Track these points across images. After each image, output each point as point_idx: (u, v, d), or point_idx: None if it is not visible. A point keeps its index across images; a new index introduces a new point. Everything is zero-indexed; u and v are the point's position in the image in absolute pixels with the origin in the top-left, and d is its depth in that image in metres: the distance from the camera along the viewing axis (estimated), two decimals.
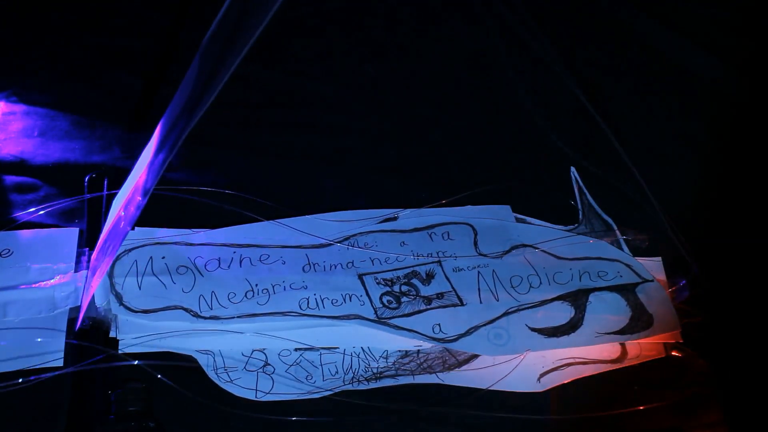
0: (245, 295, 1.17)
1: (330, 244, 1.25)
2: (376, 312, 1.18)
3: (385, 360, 1.16)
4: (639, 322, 1.23)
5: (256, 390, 1.11)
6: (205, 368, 1.11)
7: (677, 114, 1.59)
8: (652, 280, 1.28)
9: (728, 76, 1.64)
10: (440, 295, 1.21)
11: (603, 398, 1.20)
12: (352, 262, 1.23)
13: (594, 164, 1.46)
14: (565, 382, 1.18)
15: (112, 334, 1.11)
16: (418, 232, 1.30)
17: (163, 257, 1.20)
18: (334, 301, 1.18)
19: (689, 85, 1.63)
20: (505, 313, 1.20)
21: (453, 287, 1.23)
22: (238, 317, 1.14)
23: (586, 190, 1.42)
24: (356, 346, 1.17)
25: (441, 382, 1.15)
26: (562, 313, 1.22)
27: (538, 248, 1.30)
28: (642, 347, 1.24)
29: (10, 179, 1.30)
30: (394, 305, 1.19)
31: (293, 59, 1.56)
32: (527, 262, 1.27)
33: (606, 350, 1.22)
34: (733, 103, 1.61)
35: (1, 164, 1.31)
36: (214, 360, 1.12)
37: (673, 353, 1.24)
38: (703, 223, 1.42)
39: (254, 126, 1.46)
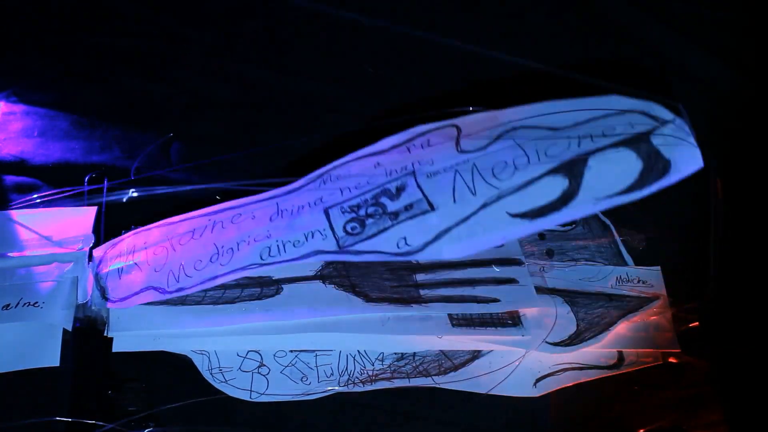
0: (209, 260, 1.11)
1: (299, 189, 1.17)
2: (338, 242, 1.07)
3: (380, 362, 1.16)
4: (653, 172, 0.99)
5: (251, 390, 1.11)
6: (200, 368, 1.11)
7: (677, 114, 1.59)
8: (672, 120, 1.05)
9: (728, 76, 1.64)
10: (409, 207, 1.06)
11: (601, 398, 1.21)
12: (321, 198, 1.13)
13: None
14: (561, 387, 1.19)
15: (105, 333, 1.11)
16: (396, 149, 1.14)
17: (144, 242, 1.17)
18: (295, 242, 1.08)
19: (689, 85, 1.63)
20: (483, 206, 1.02)
21: (424, 194, 1.06)
22: (200, 283, 1.09)
23: None
24: (352, 350, 1.17)
25: (436, 385, 1.16)
26: (553, 188, 1.01)
27: (532, 126, 1.08)
28: (639, 354, 1.24)
29: (10, 179, 1.30)
30: (357, 230, 1.07)
31: (293, 59, 1.56)
32: (515, 145, 1.06)
33: (603, 356, 1.23)
34: (733, 103, 1.61)
35: (1, 164, 1.31)
36: (209, 360, 1.12)
37: (670, 360, 1.24)
38: (703, 224, 1.42)
39: (254, 126, 1.46)
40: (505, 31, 1.68)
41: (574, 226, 1.38)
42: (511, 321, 1.20)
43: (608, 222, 1.39)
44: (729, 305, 1.32)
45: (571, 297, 1.28)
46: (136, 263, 1.14)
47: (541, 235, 1.35)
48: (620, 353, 1.24)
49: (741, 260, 1.38)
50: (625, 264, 1.36)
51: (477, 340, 1.18)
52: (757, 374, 1.26)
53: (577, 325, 1.24)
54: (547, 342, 1.21)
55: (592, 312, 1.27)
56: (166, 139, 1.40)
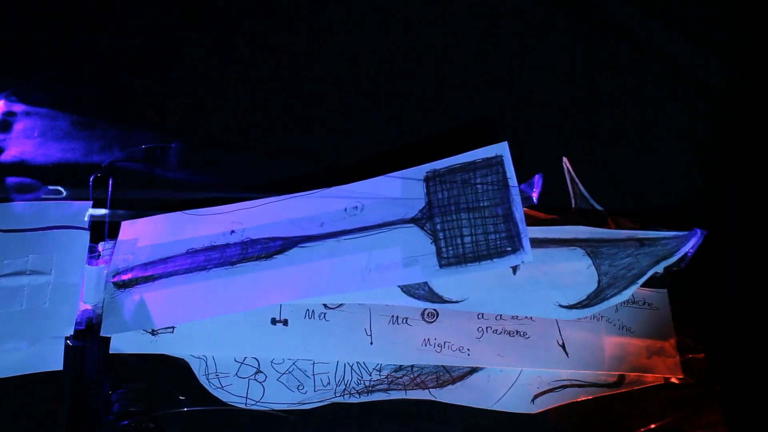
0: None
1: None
2: None
3: (378, 372, 1.16)
4: None
5: (246, 398, 1.10)
6: (197, 373, 1.11)
7: (677, 114, 1.59)
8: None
9: (728, 76, 1.64)
10: None
11: (602, 397, 1.21)
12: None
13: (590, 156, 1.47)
14: (560, 404, 1.18)
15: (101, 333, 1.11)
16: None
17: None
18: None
19: (689, 85, 1.63)
20: None
21: None
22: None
23: (578, 180, 1.42)
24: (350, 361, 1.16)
25: (433, 398, 1.15)
26: None
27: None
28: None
29: (11, 179, 1.30)
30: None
31: (293, 59, 1.56)
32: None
33: (603, 374, 1.22)
34: (733, 103, 1.61)
35: (1, 164, 1.31)
36: (206, 365, 1.12)
37: (672, 380, 1.24)
38: (703, 224, 1.42)
39: (254, 126, 1.46)
40: (505, 30, 1.68)
41: (569, 215, 1.39)
42: (511, 248, 1.14)
43: (603, 211, 1.39)
44: (729, 307, 1.32)
45: (593, 248, 1.22)
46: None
47: None
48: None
49: (740, 259, 1.38)
50: None
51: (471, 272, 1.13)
52: (757, 374, 1.26)
53: (599, 282, 1.20)
54: (560, 306, 1.18)
55: (619, 263, 1.21)
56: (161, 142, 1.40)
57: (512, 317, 1.20)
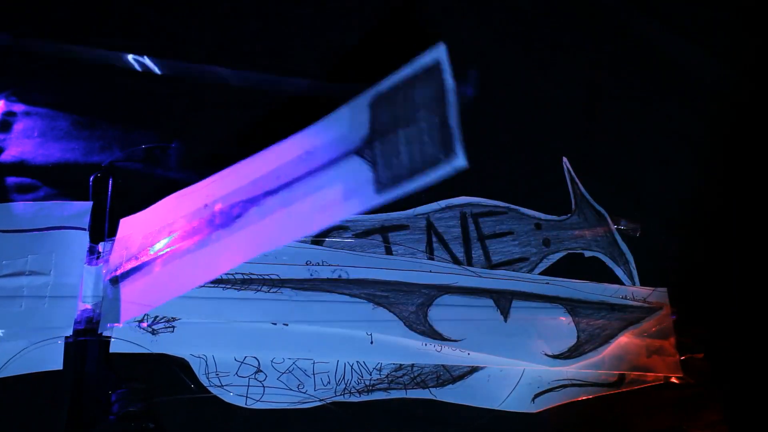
0: None
1: None
2: None
3: (378, 372, 1.16)
4: None
5: (247, 397, 1.10)
6: (197, 372, 1.11)
7: (677, 114, 1.59)
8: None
9: (728, 76, 1.64)
10: None
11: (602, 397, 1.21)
12: None
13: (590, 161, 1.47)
14: (560, 404, 1.19)
15: (99, 331, 1.11)
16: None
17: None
18: None
19: (689, 85, 1.63)
20: None
21: None
22: None
23: (578, 181, 1.42)
24: (350, 360, 1.16)
25: (434, 398, 1.15)
26: None
27: None
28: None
29: (11, 180, 1.30)
30: None
31: (293, 59, 1.56)
32: None
33: (603, 374, 1.23)
34: (733, 103, 1.61)
35: (1, 165, 1.31)
36: (206, 364, 1.12)
37: (672, 380, 1.24)
38: (702, 223, 1.43)
39: (254, 126, 1.46)
40: (506, 30, 1.68)
41: (569, 215, 1.39)
42: (444, 155, 0.96)
43: (603, 211, 1.39)
44: (729, 307, 1.32)
45: (572, 306, 1.27)
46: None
47: (538, 225, 1.35)
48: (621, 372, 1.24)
49: (740, 259, 1.38)
50: (622, 254, 1.36)
51: None
52: (758, 374, 1.26)
53: (578, 337, 1.23)
54: (546, 355, 1.21)
55: (594, 323, 1.26)
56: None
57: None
